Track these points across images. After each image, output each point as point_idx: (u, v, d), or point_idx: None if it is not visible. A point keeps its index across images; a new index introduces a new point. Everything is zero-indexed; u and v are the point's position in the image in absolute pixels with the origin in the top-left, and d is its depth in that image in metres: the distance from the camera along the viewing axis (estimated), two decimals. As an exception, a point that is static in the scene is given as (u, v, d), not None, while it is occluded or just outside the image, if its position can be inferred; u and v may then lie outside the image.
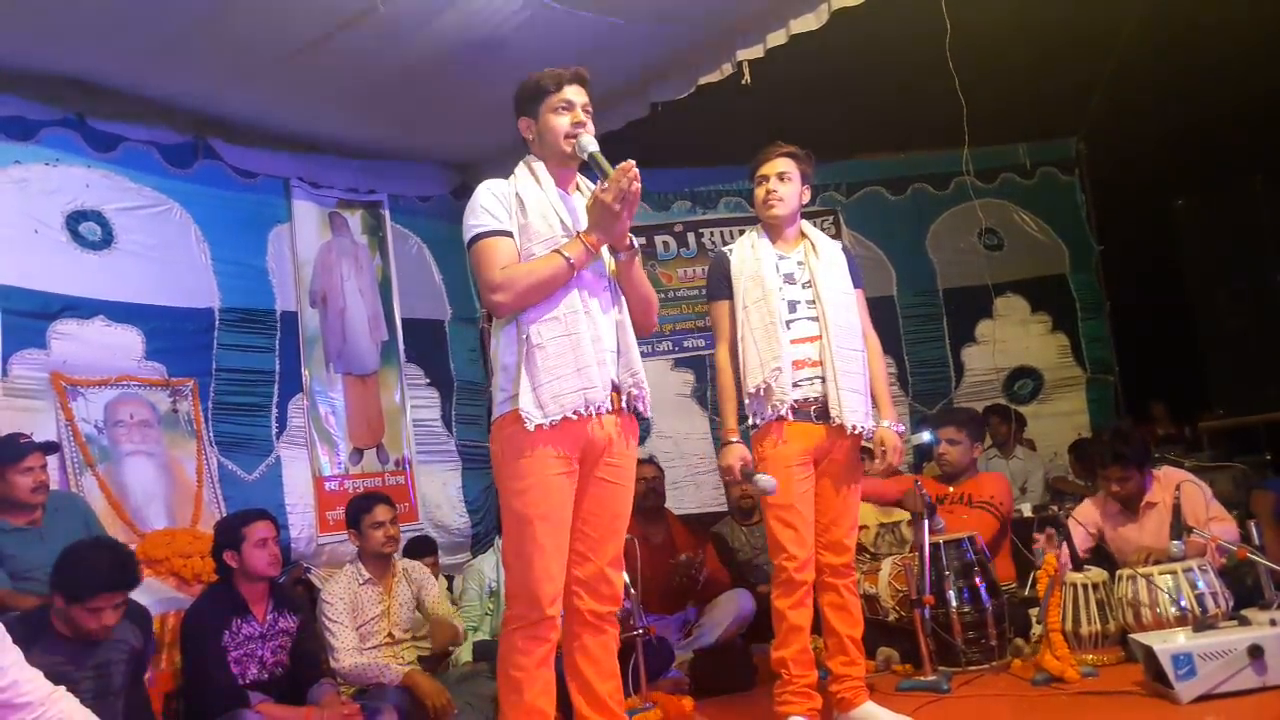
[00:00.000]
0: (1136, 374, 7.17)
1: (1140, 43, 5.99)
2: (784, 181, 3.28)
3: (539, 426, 2.48)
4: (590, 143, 2.60)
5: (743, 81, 4.81)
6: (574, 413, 2.50)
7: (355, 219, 5.85)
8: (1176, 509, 3.73)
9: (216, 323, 5.07)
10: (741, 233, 3.50)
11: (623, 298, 2.68)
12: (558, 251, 2.52)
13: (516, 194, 2.63)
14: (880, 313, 6.93)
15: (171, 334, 4.87)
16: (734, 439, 3.19)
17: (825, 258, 3.31)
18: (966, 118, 4.71)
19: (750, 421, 3.21)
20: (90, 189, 4.69)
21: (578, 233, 2.56)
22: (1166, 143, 6.55)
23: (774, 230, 3.33)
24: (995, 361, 6.98)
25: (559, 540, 2.52)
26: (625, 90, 5.23)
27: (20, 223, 4.42)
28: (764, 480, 2.99)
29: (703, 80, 5.02)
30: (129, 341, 4.72)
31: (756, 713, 3.44)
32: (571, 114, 2.62)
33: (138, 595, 3.58)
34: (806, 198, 3.37)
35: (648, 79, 5.20)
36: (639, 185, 2.50)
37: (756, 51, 4.75)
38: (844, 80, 5.69)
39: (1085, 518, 4.23)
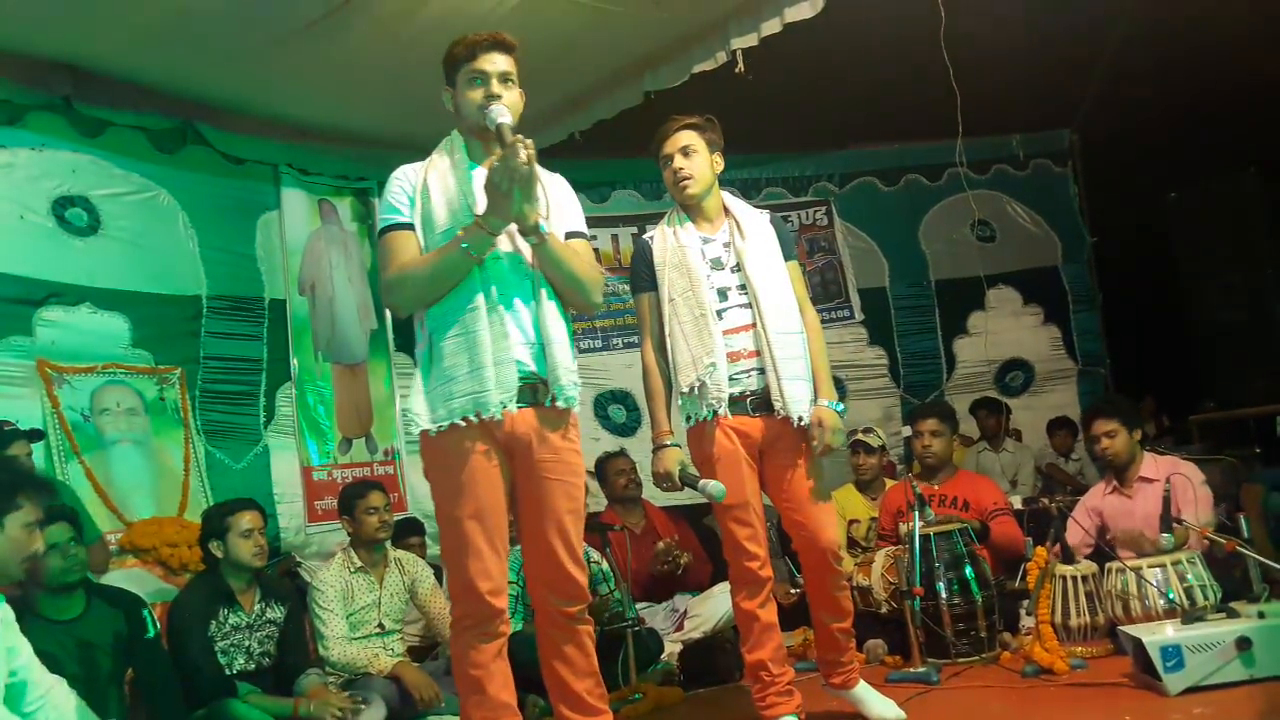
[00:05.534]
0: (1128, 367, 7.18)
1: (1134, 36, 5.98)
2: (689, 156, 3.03)
3: (424, 432, 2.41)
4: (500, 113, 2.38)
5: (737, 70, 4.77)
6: (463, 420, 2.39)
7: (344, 206, 5.81)
8: (1166, 501, 3.73)
9: (204, 310, 5.03)
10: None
11: (547, 285, 2.49)
12: (458, 239, 2.37)
13: (425, 179, 2.50)
14: (872, 304, 7.00)
15: (158, 321, 4.84)
16: (668, 441, 2.99)
17: (752, 234, 3.06)
18: (960, 108, 4.70)
19: (685, 425, 3.04)
20: (77, 174, 4.65)
21: (476, 217, 2.39)
22: (1160, 136, 6.56)
23: (693, 210, 3.09)
24: (987, 353, 6.99)
25: (491, 536, 2.42)
26: (619, 78, 5.20)
27: (6, 208, 4.38)
28: (711, 486, 2.82)
29: (697, 68, 4.99)
30: (115, 328, 4.69)
31: (745, 704, 3.43)
32: (486, 86, 2.44)
33: (126, 584, 3.58)
34: (720, 166, 3.11)
35: (641, 67, 5.16)
36: (527, 165, 2.31)
37: (751, 40, 4.72)
38: (838, 70, 5.67)
39: (1089, 502, 4.26)
